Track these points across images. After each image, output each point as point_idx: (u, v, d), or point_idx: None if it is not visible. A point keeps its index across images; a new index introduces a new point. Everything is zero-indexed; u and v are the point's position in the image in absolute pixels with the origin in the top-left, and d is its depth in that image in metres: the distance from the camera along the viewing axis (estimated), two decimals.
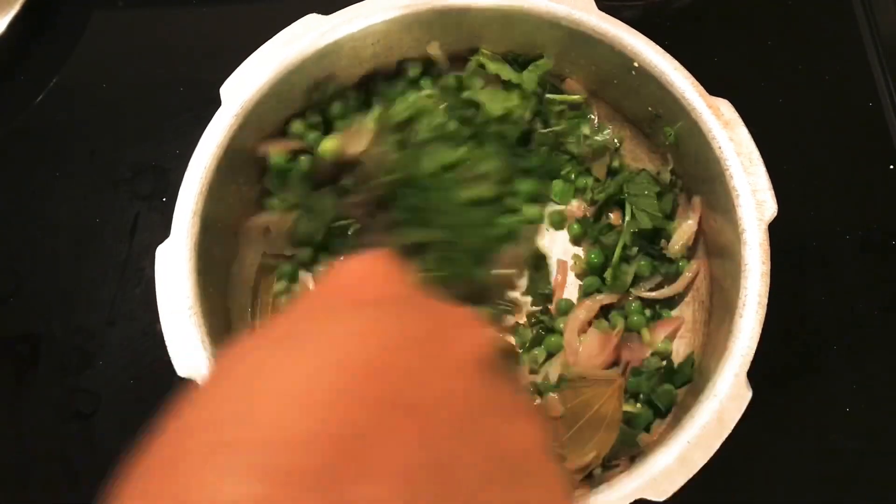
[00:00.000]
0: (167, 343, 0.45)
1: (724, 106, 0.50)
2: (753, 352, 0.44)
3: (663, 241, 0.54)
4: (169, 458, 0.19)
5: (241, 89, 0.50)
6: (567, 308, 0.54)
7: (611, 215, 0.57)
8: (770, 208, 0.47)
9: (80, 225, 0.61)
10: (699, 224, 0.53)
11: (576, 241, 0.57)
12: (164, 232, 0.47)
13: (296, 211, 0.54)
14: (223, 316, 0.51)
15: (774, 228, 0.47)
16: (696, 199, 0.53)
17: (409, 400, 0.19)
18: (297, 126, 0.54)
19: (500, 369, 0.23)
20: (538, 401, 0.51)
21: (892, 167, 0.62)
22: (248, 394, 0.19)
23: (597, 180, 0.57)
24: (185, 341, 0.45)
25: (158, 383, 0.56)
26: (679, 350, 0.53)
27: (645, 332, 0.53)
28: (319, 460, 0.17)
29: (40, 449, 0.55)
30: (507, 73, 0.56)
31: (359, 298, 0.24)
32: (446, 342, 0.22)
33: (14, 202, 0.63)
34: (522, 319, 0.55)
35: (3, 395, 0.56)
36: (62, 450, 0.55)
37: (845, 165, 0.63)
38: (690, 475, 0.41)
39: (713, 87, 0.51)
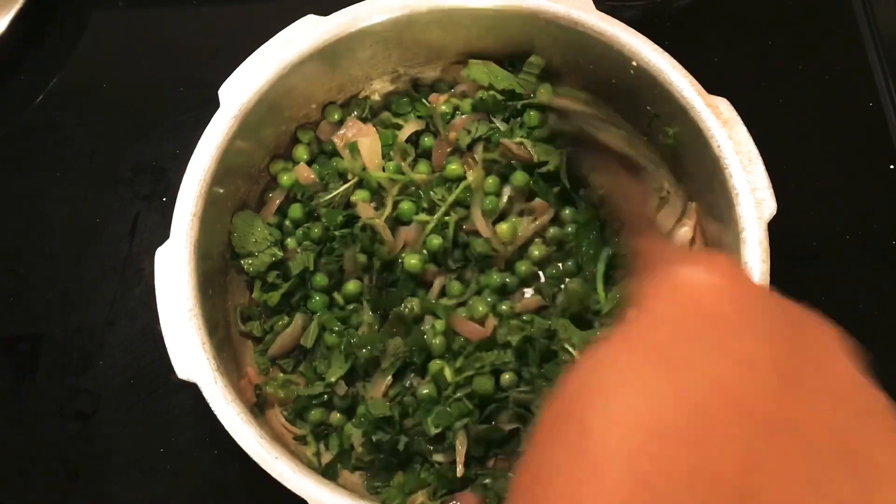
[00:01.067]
0: (167, 345, 0.45)
1: (723, 105, 0.50)
2: None
3: None
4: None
5: (240, 91, 0.50)
6: None
7: None
8: (769, 207, 0.47)
9: (80, 225, 0.61)
10: (699, 224, 0.53)
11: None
12: (164, 232, 0.47)
13: None
14: (223, 318, 0.51)
15: (774, 229, 0.47)
16: (692, 206, 0.53)
17: (792, 422, 0.20)
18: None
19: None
20: None
21: (892, 167, 0.62)
22: (628, 415, 0.20)
23: None
24: (185, 343, 0.45)
25: (158, 383, 0.56)
26: None
27: None
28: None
29: (40, 449, 0.55)
30: (502, 80, 0.55)
31: (714, 313, 0.23)
32: (818, 352, 0.22)
33: (14, 202, 0.63)
34: None
35: (3, 395, 0.56)
36: (62, 450, 0.55)
37: (845, 165, 0.63)
38: None
39: (713, 86, 0.50)
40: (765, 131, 0.50)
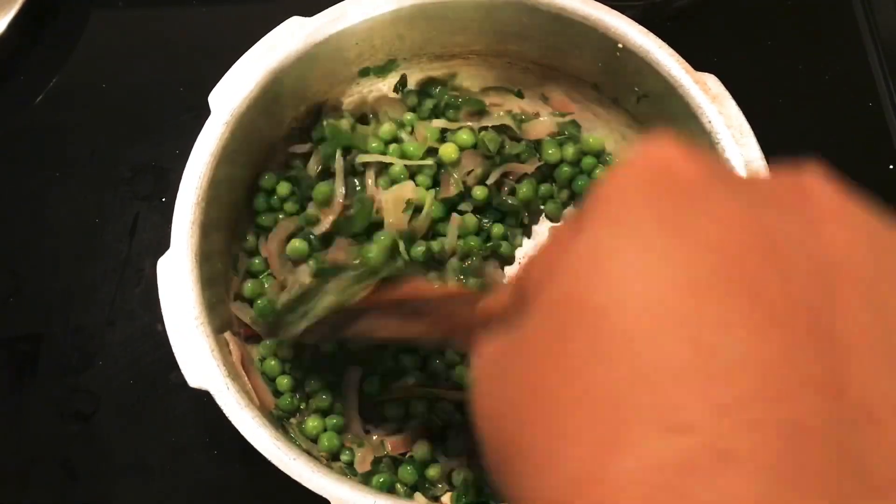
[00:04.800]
0: (176, 355, 0.45)
1: (711, 80, 0.50)
2: None
3: None
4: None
5: (230, 98, 0.50)
6: None
7: None
8: None
9: (80, 225, 0.61)
10: None
11: None
12: (164, 231, 0.47)
13: None
14: (228, 323, 0.51)
15: None
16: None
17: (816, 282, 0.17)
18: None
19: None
20: None
21: (892, 167, 0.62)
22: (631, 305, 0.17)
23: None
24: (195, 352, 0.44)
25: (158, 383, 0.56)
26: None
27: None
28: (750, 384, 0.15)
29: (40, 449, 0.55)
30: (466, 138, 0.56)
31: (679, 182, 0.20)
32: (795, 203, 0.19)
33: (14, 202, 0.63)
34: None
35: (3, 395, 0.57)
36: (62, 450, 0.55)
37: (845, 165, 0.62)
38: None
39: None
40: (764, 131, 0.50)
